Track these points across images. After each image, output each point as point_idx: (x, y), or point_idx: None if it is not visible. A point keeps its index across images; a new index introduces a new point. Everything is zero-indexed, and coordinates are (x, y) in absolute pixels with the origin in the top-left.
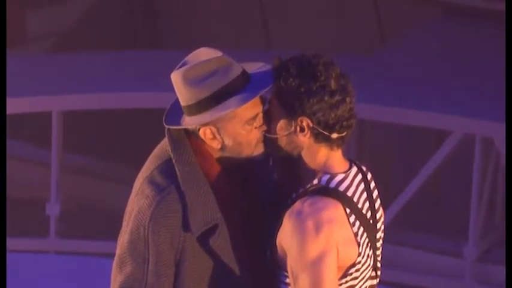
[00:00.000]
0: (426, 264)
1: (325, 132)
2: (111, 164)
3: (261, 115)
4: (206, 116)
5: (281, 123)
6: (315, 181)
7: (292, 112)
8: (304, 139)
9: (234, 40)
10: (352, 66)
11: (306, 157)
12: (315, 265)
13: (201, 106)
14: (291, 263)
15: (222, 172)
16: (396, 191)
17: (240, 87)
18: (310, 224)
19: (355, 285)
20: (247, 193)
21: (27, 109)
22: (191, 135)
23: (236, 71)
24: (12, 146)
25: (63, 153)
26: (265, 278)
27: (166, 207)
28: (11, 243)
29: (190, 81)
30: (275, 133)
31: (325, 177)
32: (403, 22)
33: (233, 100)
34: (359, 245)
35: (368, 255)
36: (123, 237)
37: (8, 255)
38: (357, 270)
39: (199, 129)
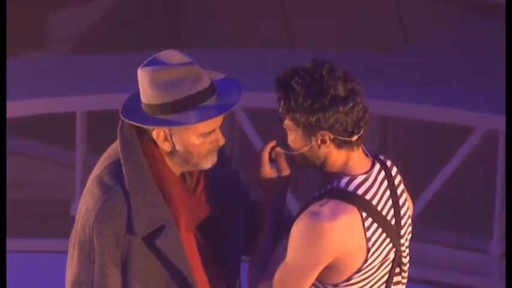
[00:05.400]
0: (450, 261)
1: (346, 139)
2: None
3: (218, 130)
4: (163, 120)
5: (300, 141)
6: (335, 183)
7: (310, 129)
8: (326, 150)
9: (256, 39)
10: (375, 63)
11: (327, 163)
12: (303, 266)
13: (162, 109)
14: (289, 250)
15: (172, 175)
16: (420, 188)
17: (205, 100)
18: (321, 226)
19: (364, 285)
20: (201, 196)
21: (51, 110)
22: (144, 136)
23: (204, 83)
24: (36, 148)
25: (87, 153)
26: (232, 277)
27: (110, 208)
28: (36, 244)
29: (156, 84)
30: (295, 150)
31: (345, 180)
32: (425, 20)
33: (194, 113)
34: (368, 251)
35: (384, 257)
36: (73, 237)
37: (33, 255)
38: (364, 273)
39: (153, 129)
